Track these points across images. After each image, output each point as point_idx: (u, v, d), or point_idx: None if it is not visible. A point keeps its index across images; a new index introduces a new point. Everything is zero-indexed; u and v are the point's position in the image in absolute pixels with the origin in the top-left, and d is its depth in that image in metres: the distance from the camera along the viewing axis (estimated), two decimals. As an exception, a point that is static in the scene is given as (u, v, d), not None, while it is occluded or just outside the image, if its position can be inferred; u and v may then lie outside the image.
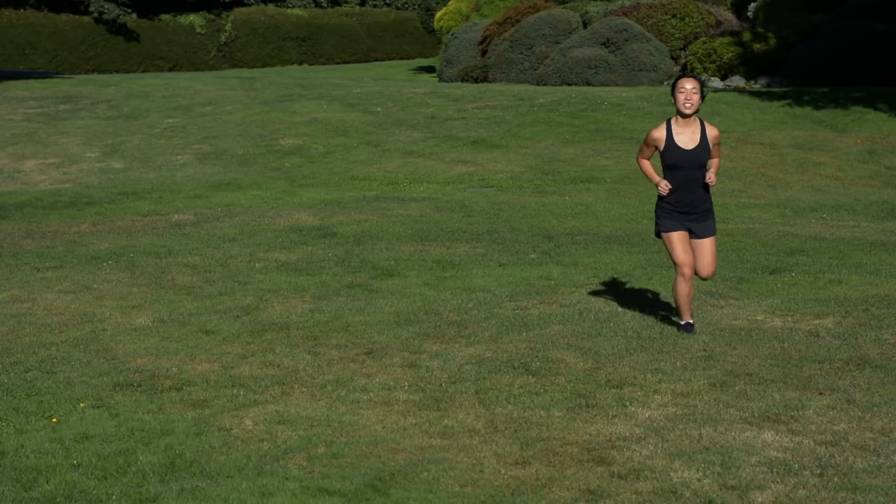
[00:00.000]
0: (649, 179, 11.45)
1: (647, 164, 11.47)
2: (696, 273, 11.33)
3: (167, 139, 28.96)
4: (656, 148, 11.27)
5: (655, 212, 11.41)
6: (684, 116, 11.13)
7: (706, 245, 11.32)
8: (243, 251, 15.92)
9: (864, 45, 32.62)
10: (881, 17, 34.18)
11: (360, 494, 7.42)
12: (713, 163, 11.34)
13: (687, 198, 11.18)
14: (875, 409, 8.97)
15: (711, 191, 11.45)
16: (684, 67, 36.29)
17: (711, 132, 11.24)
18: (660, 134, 11.22)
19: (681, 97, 11.07)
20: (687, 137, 11.12)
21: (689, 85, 11.06)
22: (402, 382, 9.83)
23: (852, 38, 32.82)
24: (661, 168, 11.32)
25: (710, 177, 11.09)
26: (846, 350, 10.63)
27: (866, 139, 26.38)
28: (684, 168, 11.09)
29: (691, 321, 11.38)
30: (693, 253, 11.28)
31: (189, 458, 8.10)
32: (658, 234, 11.44)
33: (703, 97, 11.16)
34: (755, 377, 9.76)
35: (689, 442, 8.32)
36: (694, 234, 11.29)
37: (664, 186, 11.13)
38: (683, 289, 11.20)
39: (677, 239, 11.23)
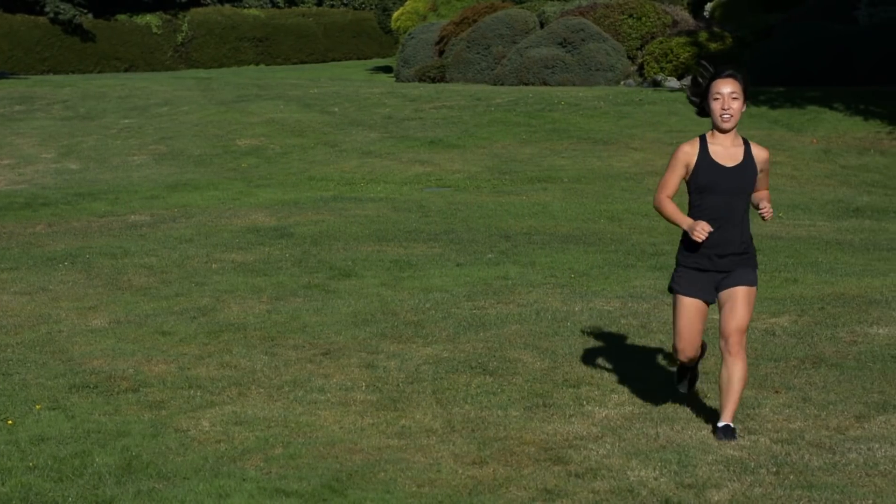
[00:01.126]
0: (676, 225, 8.39)
1: (669, 206, 8.42)
2: (721, 331, 8.40)
3: (123, 140, 28.83)
4: (686, 171, 8.37)
5: (677, 257, 8.56)
6: (723, 131, 8.32)
7: (738, 295, 8.30)
8: (200, 252, 15.85)
9: (819, 45, 32.78)
10: (837, 17, 34.35)
11: (318, 495, 7.41)
12: (763, 195, 8.49)
13: (720, 235, 8.27)
14: (831, 407, 9.01)
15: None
16: (641, 67, 36.39)
17: (760, 153, 8.39)
18: (692, 148, 8.34)
19: (716, 105, 8.29)
20: (726, 153, 8.30)
21: (726, 89, 8.26)
22: (360, 383, 9.82)
23: (808, 37, 32.98)
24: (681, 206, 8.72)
25: (767, 208, 8.31)
26: (802, 348, 10.67)
27: (822, 138, 26.52)
28: (720, 192, 8.24)
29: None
30: (717, 311, 8.53)
31: (146, 459, 8.07)
32: (671, 289, 8.59)
33: (747, 99, 8.41)
34: (712, 376, 9.77)
35: (646, 441, 8.34)
36: (724, 285, 8.37)
37: (701, 230, 8.16)
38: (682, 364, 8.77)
39: (687, 311, 8.44)
